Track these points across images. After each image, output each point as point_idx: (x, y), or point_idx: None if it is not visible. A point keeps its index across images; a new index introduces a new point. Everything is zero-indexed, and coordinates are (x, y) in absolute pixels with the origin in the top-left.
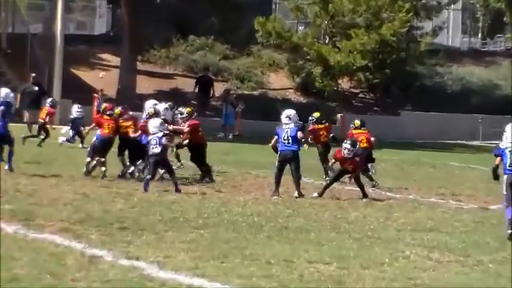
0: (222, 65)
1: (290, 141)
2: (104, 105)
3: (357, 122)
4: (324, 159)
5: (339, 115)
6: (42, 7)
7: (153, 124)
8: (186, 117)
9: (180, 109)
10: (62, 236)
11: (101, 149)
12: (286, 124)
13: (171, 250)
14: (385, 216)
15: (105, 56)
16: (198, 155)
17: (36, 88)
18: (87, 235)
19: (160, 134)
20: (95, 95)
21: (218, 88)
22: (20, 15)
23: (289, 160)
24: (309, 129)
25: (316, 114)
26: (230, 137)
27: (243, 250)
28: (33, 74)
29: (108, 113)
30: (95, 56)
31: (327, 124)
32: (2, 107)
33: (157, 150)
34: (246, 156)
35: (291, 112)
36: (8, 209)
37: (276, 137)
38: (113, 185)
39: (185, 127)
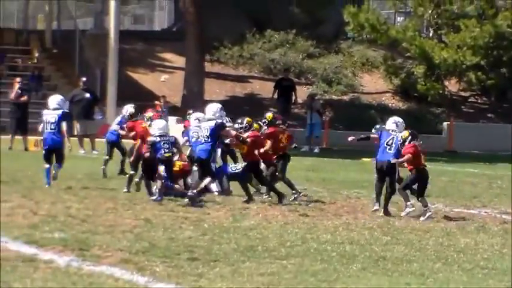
0: (305, 64)
1: (392, 149)
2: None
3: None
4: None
5: (445, 123)
6: None
7: (159, 125)
8: (245, 127)
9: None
10: (122, 269)
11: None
12: (393, 131)
13: (249, 284)
14: (501, 243)
15: (167, 55)
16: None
17: (88, 95)
18: (151, 267)
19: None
20: (156, 102)
21: (301, 93)
22: (67, 8)
23: (387, 170)
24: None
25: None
26: (316, 150)
27: (332, 284)
28: (84, 78)
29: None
30: (155, 56)
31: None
32: (64, 121)
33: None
34: (335, 173)
35: (400, 119)
36: (59, 237)
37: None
38: (179, 208)
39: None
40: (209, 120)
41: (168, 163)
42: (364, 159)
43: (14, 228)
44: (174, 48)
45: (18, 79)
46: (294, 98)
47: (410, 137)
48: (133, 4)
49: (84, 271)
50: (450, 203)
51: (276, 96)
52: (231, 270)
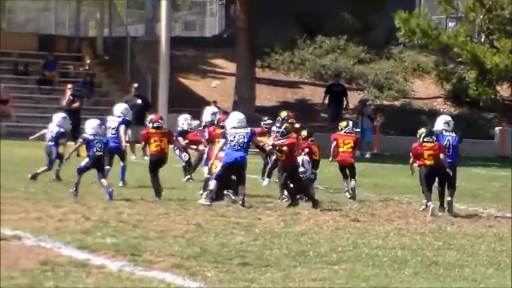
0: (356, 70)
1: (451, 150)
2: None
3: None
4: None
5: (497, 128)
6: (144, 6)
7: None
8: (282, 133)
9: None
10: (174, 274)
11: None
12: (446, 131)
13: None
14: None
15: (218, 61)
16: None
17: (139, 101)
18: (202, 272)
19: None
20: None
21: (352, 98)
22: (118, 15)
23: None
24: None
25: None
26: (367, 155)
27: None
28: (136, 85)
29: (155, 125)
30: (206, 62)
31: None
32: (122, 125)
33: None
34: (387, 178)
35: (449, 118)
36: (111, 242)
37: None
38: (230, 213)
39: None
40: (238, 127)
41: (99, 162)
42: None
43: (67, 233)
44: (225, 54)
45: (69, 86)
46: (345, 103)
47: (424, 134)
48: (185, 11)
49: (136, 276)
50: (502, 208)
51: (326, 101)
52: (282, 275)
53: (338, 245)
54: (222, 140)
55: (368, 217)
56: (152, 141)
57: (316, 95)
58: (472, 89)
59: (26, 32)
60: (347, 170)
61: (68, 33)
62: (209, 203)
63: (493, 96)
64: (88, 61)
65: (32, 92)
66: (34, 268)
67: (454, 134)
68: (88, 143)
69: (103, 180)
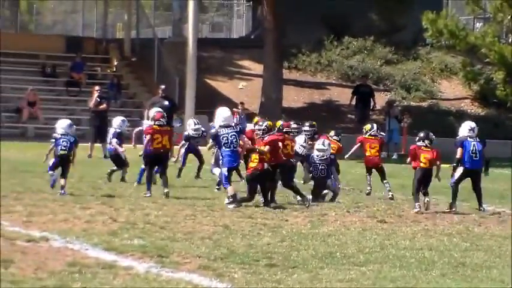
0: (383, 71)
1: (478, 156)
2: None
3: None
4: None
5: None
6: (171, 7)
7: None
8: (264, 130)
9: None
10: (201, 275)
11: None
12: (471, 137)
13: None
14: None
15: (245, 63)
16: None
17: (166, 102)
18: (229, 273)
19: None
20: (234, 109)
21: (380, 99)
22: (146, 17)
23: (475, 176)
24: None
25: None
26: (395, 156)
27: None
28: (163, 86)
29: (157, 122)
30: (233, 63)
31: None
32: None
33: None
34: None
35: (473, 124)
36: (138, 244)
37: (460, 150)
38: (257, 215)
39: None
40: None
41: (63, 160)
42: (442, 166)
43: (94, 235)
44: (252, 55)
45: (97, 87)
46: (372, 104)
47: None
48: (212, 12)
49: (163, 278)
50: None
51: (354, 102)
52: (309, 276)
53: (365, 246)
54: (212, 142)
55: (395, 218)
56: (154, 137)
57: (343, 96)
58: (500, 89)
59: (54, 33)
60: (374, 170)
61: (95, 35)
62: (236, 206)
63: None
64: (115, 63)
65: (59, 94)
66: (62, 269)
67: (478, 140)
68: (55, 142)
69: (62, 179)
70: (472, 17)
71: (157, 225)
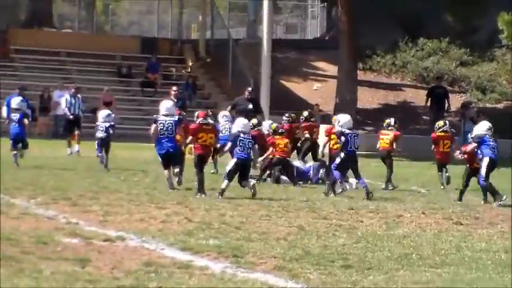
0: (459, 72)
1: (496, 151)
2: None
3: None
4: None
5: None
6: (245, 8)
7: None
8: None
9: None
10: (276, 276)
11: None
12: (489, 136)
13: None
14: None
15: (320, 64)
16: None
17: (251, 106)
18: (305, 274)
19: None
20: (309, 111)
21: (455, 101)
22: (220, 18)
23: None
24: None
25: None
26: None
27: None
28: (250, 88)
29: (202, 121)
30: (307, 65)
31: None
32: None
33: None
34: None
35: (490, 124)
36: (213, 244)
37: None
38: (332, 216)
39: None
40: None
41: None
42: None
43: (170, 234)
44: (326, 56)
45: (174, 88)
46: (446, 105)
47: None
48: (286, 13)
49: (238, 278)
50: None
51: (428, 104)
52: (384, 278)
53: (441, 248)
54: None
55: (471, 220)
56: (199, 136)
57: (418, 97)
58: None
59: (129, 34)
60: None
61: (170, 35)
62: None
63: None
64: (190, 63)
65: (134, 94)
66: (138, 269)
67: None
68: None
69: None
70: None
71: (232, 226)
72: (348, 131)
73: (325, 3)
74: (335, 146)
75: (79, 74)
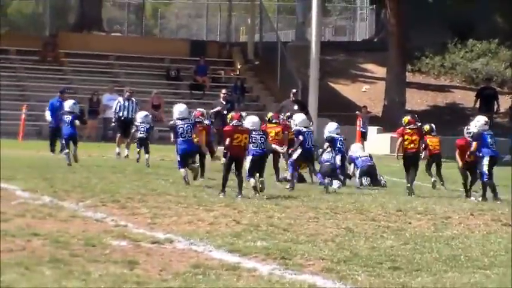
0: (508, 74)
1: (494, 146)
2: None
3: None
4: None
5: None
6: (294, 11)
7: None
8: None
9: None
10: (325, 277)
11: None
12: (486, 131)
13: None
14: None
15: (368, 66)
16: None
17: (296, 107)
18: (353, 276)
19: None
20: (358, 113)
21: (504, 102)
22: (269, 20)
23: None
24: None
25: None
26: None
27: None
28: (294, 90)
29: (236, 123)
30: (356, 67)
31: None
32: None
33: None
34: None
35: (486, 118)
36: (261, 246)
37: (475, 143)
38: (380, 217)
39: None
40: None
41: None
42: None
43: (218, 236)
44: (375, 58)
45: (224, 90)
46: (496, 107)
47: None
48: (335, 16)
49: (286, 280)
50: None
51: (477, 105)
52: (433, 279)
53: (490, 249)
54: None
55: None
56: (234, 137)
57: (467, 99)
58: None
59: (178, 37)
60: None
61: (219, 38)
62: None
63: None
64: (239, 66)
65: (183, 97)
66: (186, 271)
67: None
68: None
69: (146, 155)
70: None
71: (280, 228)
72: (304, 129)
73: (374, 6)
74: (410, 146)
75: (127, 77)
